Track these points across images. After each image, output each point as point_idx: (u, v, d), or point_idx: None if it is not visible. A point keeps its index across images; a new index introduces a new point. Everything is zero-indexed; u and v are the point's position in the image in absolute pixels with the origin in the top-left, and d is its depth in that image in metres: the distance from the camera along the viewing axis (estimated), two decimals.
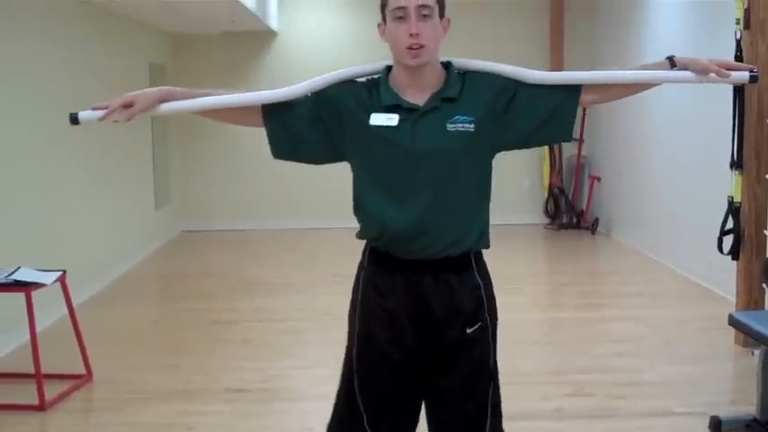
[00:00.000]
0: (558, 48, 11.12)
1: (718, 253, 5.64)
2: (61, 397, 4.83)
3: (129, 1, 7.78)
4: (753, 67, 2.55)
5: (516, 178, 11.15)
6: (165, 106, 2.60)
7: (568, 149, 11.19)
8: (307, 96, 2.58)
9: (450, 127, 2.45)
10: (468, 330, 2.53)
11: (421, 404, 2.61)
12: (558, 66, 11.00)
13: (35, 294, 4.72)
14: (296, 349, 5.89)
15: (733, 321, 4.32)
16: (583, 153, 11.07)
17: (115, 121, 2.60)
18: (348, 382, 2.61)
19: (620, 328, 6.24)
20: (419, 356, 2.52)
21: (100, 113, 2.56)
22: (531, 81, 2.53)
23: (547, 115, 2.52)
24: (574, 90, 2.54)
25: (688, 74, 2.49)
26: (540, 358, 5.65)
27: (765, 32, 5.31)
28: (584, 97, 2.55)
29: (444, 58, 2.58)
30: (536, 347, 5.89)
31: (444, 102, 2.47)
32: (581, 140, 10.90)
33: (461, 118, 2.45)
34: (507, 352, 5.52)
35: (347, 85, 2.58)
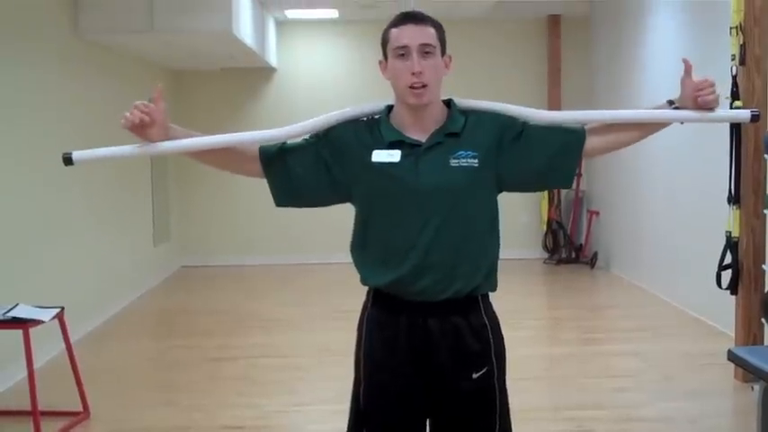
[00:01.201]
0: (556, 82, 11.20)
1: (717, 287, 5.64)
2: None
3: (129, 38, 7.83)
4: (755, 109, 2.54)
5: (514, 213, 11.14)
6: (168, 144, 2.54)
7: None
8: (306, 140, 2.56)
9: (453, 162, 2.41)
10: (475, 375, 2.47)
11: None
12: (555, 98, 11.09)
13: (33, 331, 4.71)
14: (294, 386, 5.86)
15: (732, 357, 4.31)
16: (581, 187, 11.10)
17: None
18: (355, 421, 2.58)
19: (620, 363, 6.23)
20: (425, 400, 2.48)
21: (94, 151, 2.59)
22: (538, 120, 2.52)
23: (551, 158, 2.49)
24: (579, 135, 2.51)
25: (690, 113, 2.49)
26: (540, 394, 5.62)
27: (761, 68, 5.36)
28: (590, 143, 2.52)
29: (446, 97, 2.56)
30: (536, 383, 5.86)
31: (448, 137, 2.44)
32: (579, 175, 10.92)
33: (465, 153, 2.42)
34: (508, 388, 5.50)
35: (347, 124, 2.55)
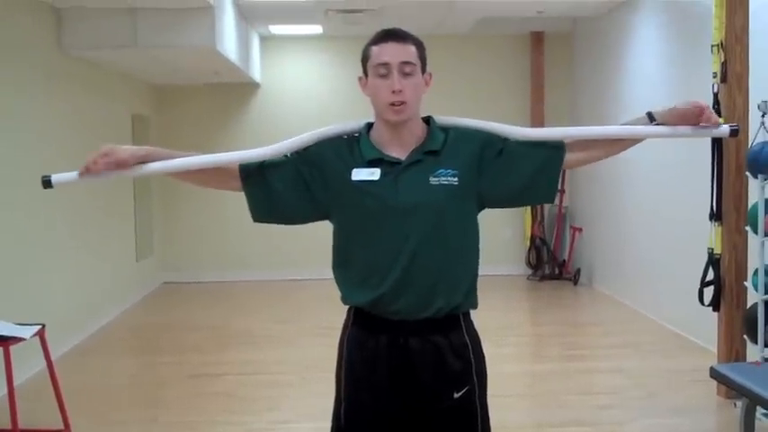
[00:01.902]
0: (539, 98, 11.25)
1: (700, 304, 5.66)
2: None
3: (113, 53, 7.82)
4: (735, 125, 2.57)
5: (498, 229, 11.16)
6: (147, 167, 2.50)
7: None
8: (287, 157, 2.53)
9: (433, 180, 2.40)
10: (456, 395, 2.46)
11: None
12: (538, 114, 11.14)
13: (13, 348, 4.67)
14: (279, 403, 5.83)
15: (715, 374, 4.32)
16: (564, 204, 11.13)
17: (108, 178, 2.51)
18: None
19: (603, 380, 6.23)
20: (406, 419, 2.47)
21: (74, 174, 2.48)
22: (518, 137, 2.51)
23: (532, 174, 2.48)
24: (559, 150, 2.51)
25: (669, 128, 2.50)
26: (523, 411, 5.62)
27: (742, 86, 5.39)
28: (569, 157, 2.52)
29: (428, 113, 2.57)
30: (519, 400, 5.85)
31: (427, 155, 2.43)
32: (562, 191, 10.96)
33: (445, 171, 2.41)
34: (491, 404, 5.48)
35: (328, 142, 2.53)
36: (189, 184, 2.70)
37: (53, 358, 5.14)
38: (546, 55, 11.29)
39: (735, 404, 5.17)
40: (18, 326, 4.86)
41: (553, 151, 2.50)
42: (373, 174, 2.41)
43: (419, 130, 2.49)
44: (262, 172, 2.52)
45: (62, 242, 7.42)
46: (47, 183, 2.57)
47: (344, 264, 2.50)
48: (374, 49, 2.46)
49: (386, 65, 2.39)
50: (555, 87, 11.25)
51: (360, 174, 2.42)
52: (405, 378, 2.44)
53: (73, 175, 2.50)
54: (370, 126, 2.53)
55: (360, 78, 2.52)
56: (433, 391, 2.45)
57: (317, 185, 2.49)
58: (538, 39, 11.24)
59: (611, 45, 9.56)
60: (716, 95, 5.41)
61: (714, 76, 5.43)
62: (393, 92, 2.37)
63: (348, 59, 11.26)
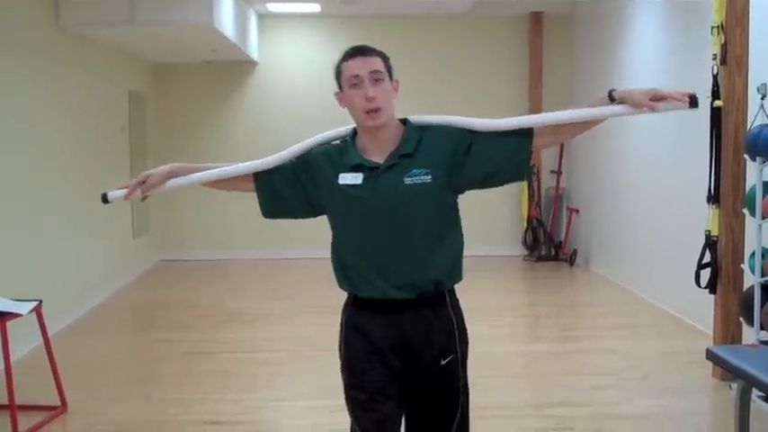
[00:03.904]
0: (538, 79, 11.22)
1: (696, 286, 5.67)
2: (35, 428, 4.76)
3: (111, 30, 7.78)
4: (691, 92, 2.58)
5: (495, 210, 11.18)
6: (174, 181, 2.91)
7: (547, 181, 11.26)
8: (290, 161, 2.86)
9: (407, 180, 2.68)
10: (443, 362, 2.75)
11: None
12: (536, 96, 11.12)
13: (10, 324, 4.67)
14: (274, 381, 5.84)
15: (711, 356, 4.32)
16: (561, 185, 11.13)
17: (143, 198, 2.95)
18: (350, 406, 2.82)
19: (599, 361, 6.25)
20: (400, 383, 2.75)
21: (125, 191, 2.91)
22: (485, 129, 2.75)
23: (501, 160, 2.73)
24: (526, 135, 2.73)
25: (625, 108, 2.65)
26: (519, 391, 5.64)
27: (741, 68, 5.37)
28: (537, 141, 2.75)
29: (401, 116, 2.80)
30: (515, 380, 5.87)
31: (402, 158, 2.70)
32: (559, 173, 10.97)
33: (418, 171, 2.69)
34: (487, 385, 5.51)
35: (322, 147, 2.86)
36: (213, 189, 3.10)
37: (50, 334, 5.15)
38: (545, 36, 11.25)
39: (730, 386, 5.19)
40: (15, 302, 4.87)
41: (522, 137, 2.74)
42: (356, 178, 2.71)
43: (395, 134, 2.76)
44: (269, 176, 2.86)
45: (59, 220, 7.41)
46: (104, 199, 3.04)
47: (338, 253, 2.81)
48: (345, 64, 2.75)
49: (357, 76, 2.69)
50: (554, 69, 11.21)
51: (345, 178, 2.72)
52: (398, 349, 2.74)
53: (123, 191, 2.96)
54: (355, 132, 2.82)
55: (336, 93, 2.80)
56: (423, 359, 2.74)
57: (311, 187, 2.82)
58: (537, 19, 11.19)
59: (611, 25, 9.53)
60: (715, 77, 5.39)
61: (714, 58, 5.41)
62: (366, 99, 2.66)
63: (345, 38, 11.12)
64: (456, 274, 2.79)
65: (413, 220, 2.69)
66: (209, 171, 2.91)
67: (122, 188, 2.94)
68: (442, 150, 2.73)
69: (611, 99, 2.69)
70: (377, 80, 2.69)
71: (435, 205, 2.72)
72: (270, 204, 2.90)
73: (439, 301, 2.77)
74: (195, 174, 2.93)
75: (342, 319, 2.85)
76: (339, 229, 2.80)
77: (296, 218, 2.98)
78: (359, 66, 2.71)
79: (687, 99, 2.57)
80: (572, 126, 2.77)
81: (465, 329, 2.85)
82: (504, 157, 2.72)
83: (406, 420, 2.83)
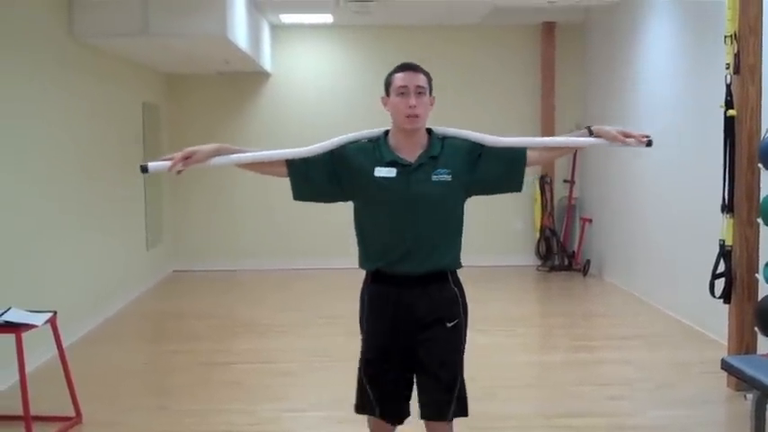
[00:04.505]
0: (550, 88, 11.22)
1: (710, 296, 5.65)
2: None
3: (124, 41, 7.82)
4: (649, 135, 3.36)
5: (509, 220, 11.17)
6: (216, 159, 3.32)
7: (560, 191, 11.24)
8: (324, 154, 3.38)
9: (434, 178, 3.31)
10: (449, 324, 3.37)
11: (413, 382, 3.43)
12: (548, 105, 11.13)
13: (25, 335, 4.69)
14: (287, 391, 5.85)
15: (726, 366, 4.31)
16: (574, 195, 11.12)
17: (178, 172, 3.26)
18: (362, 368, 3.43)
19: (613, 372, 6.23)
20: (411, 344, 3.34)
21: (168, 164, 3.25)
22: (492, 144, 3.41)
23: (503, 171, 3.42)
24: (521, 154, 3.42)
25: (601, 141, 3.40)
26: (532, 401, 5.62)
27: (755, 77, 5.37)
28: (531, 157, 3.43)
29: (427, 126, 3.42)
30: (528, 390, 5.86)
31: (430, 159, 3.33)
32: (572, 182, 10.96)
33: (442, 171, 3.32)
34: (500, 395, 5.51)
35: (354, 144, 3.42)
36: (248, 172, 3.52)
37: (64, 345, 5.17)
38: (557, 46, 11.25)
39: (745, 396, 5.16)
40: (30, 313, 4.88)
41: (519, 152, 3.43)
42: (390, 172, 3.31)
43: (424, 139, 3.39)
44: (303, 164, 3.38)
45: (73, 231, 7.44)
46: (144, 169, 3.25)
47: (364, 235, 3.42)
48: (396, 76, 3.34)
49: (405, 87, 3.30)
50: (566, 78, 11.22)
51: (381, 171, 3.31)
52: (409, 316, 3.34)
53: (165, 165, 3.25)
54: (386, 133, 3.42)
55: (382, 98, 3.40)
56: (428, 319, 3.35)
57: (345, 176, 3.38)
58: (549, 29, 11.20)
59: (624, 36, 9.52)
60: (728, 87, 5.38)
61: (727, 68, 5.40)
62: (409, 107, 3.27)
63: (358, 49, 11.27)
64: (458, 261, 3.44)
65: (436, 210, 3.31)
66: (248, 154, 3.39)
67: (166, 159, 3.25)
68: (460, 157, 3.36)
69: (590, 133, 3.41)
70: (420, 93, 3.29)
71: (452, 200, 3.37)
72: (301, 187, 3.42)
73: (444, 278, 3.38)
74: (237, 155, 3.37)
75: (362, 294, 3.45)
76: (369, 214, 3.39)
77: (320, 201, 3.52)
78: (408, 79, 3.30)
79: (645, 140, 3.35)
80: (556, 150, 3.60)
81: (466, 300, 3.45)
82: (505, 169, 3.41)
83: (417, 385, 3.40)
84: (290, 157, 3.38)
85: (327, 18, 10.59)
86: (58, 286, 6.92)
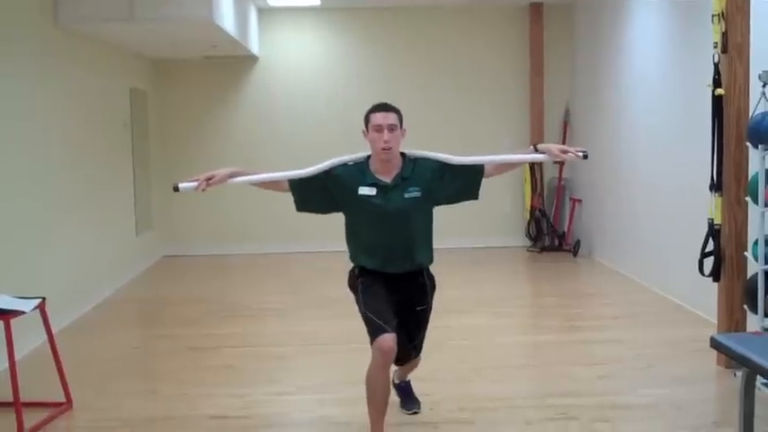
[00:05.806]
0: (539, 70, 11.20)
1: (700, 274, 5.66)
2: (40, 425, 4.76)
3: (110, 26, 7.77)
4: (584, 149, 4.13)
5: (498, 202, 11.17)
6: (233, 180, 4.19)
7: (549, 172, 11.25)
8: (318, 174, 4.19)
9: (407, 195, 4.17)
10: (419, 308, 4.36)
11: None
12: (537, 86, 11.11)
13: (14, 322, 4.67)
14: (279, 375, 5.84)
15: (715, 344, 4.30)
16: (564, 176, 11.13)
17: (203, 190, 4.10)
18: (363, 307, 4.24)
19: (603, 351, 6.24)
20: (398, 310, 4.24)
21: (194, 184, 4.09)
22: (456, 163, 4.23)
23: (463, 184, 4.27)
24: (479, 170, 4.26)
25: (545, 156, 4.21)
26: (523, 382, 5.63)
27: (742, 56, 5.36)
28: (487, 171, 4.27)
29: (402, 150, 4.24)
30: (520, 371, 5.87)
31: (403, 179, 4.19)
32: (562, 163, 10.95)
33: (413, 189, 4.18)
34: (491, 376, 5.53)
35: (345, 167, 4.25)
36: (257, 188, 4.40)
37: (54, 331, 5.15)
38: (545, 26, 11.21)
39: (735, 374, 5.18)
40: (19, 299, 4.87)
41: (477, 168, 4.28)
42: (371, 191, 4.16)
43: (398, 163, 4.22)
44: (302, 182, 4.22)
45: (62, 216, 7.41)
46: (175, 188, 4.19)
47: (352, 239, 4.33)
48: (373, 115, 4.15)
49: (380, 125, 4.12)
50: (554, 59, 11.20)
51: (363, 190, 4.17)
52: (397, 295, 4.25)
53: (193, 185, 4.12)
54: (368, 158, 4.24)
55: (363, 131, 4.21)
56: (411, 304, 4.32)
57: (337, 193, 4.23)
58: (537, 10, 11.14)
59: (612, 15, 9.50)
60: (716, 65, 5.38)
61: (715, 47, 5.39)
62: (384, 141, 4.10)
63: (346, 31, 11.22)
64: (431, 256, 4.36)
65: (409, 221, 4.19)
66: (258, 175, 4.26)
67: (192, 181, 4.09)
68: (429, 175, 4.21)
69: (536, 150, 4.24)
70: (392, 129, 4.10)
71: (423, 212, 4.25)
72: (302, 202, 4.28)
73: (420, 273, 4.33)
74: (251, 176, 4.23)
75: (351, 277, 4.37)
76: (355, 225, 4.27)
77: (320, 213, 4.35)
78: (381, 119, 4.11)
79: (581, 154, 4.08)
80: (508, 165, 4.50)
81: (434, 288, 4.42)
82: (465, 183, 4.26)
83: (398, 327, 4.14)
84: (291, 177, 4.19)
85: (315, 1, 10.54)
86: (47, 272, 6.90)
